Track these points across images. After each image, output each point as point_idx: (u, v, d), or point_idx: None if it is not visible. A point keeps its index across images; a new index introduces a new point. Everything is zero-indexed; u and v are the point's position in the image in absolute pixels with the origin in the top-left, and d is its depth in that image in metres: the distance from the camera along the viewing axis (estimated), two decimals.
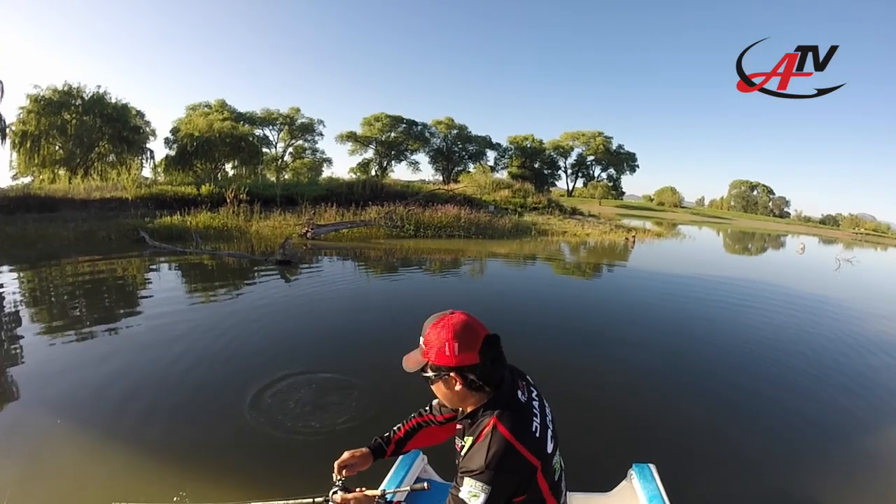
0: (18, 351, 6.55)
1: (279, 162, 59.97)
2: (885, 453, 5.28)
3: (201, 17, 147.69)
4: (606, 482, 3.04)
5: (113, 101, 32.38)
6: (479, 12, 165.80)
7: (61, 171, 30.87)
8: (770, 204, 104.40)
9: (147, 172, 35.06)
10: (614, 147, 79.00)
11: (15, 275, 11.44)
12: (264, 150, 55.37)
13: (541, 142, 75.89)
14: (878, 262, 34.05)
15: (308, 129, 62.44)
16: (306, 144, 63.85)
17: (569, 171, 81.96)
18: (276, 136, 61.87)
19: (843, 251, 35.62)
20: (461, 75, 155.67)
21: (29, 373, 5.77)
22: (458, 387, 1.63)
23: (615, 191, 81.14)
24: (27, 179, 31.46)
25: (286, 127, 61.28)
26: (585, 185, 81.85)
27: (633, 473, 2.88)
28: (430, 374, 1.66)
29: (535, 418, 1.65)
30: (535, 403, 1.72)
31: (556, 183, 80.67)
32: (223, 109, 49.20)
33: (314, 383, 5.66)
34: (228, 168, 42.18)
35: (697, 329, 9.84)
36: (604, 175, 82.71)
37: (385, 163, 66.77)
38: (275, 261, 13.20)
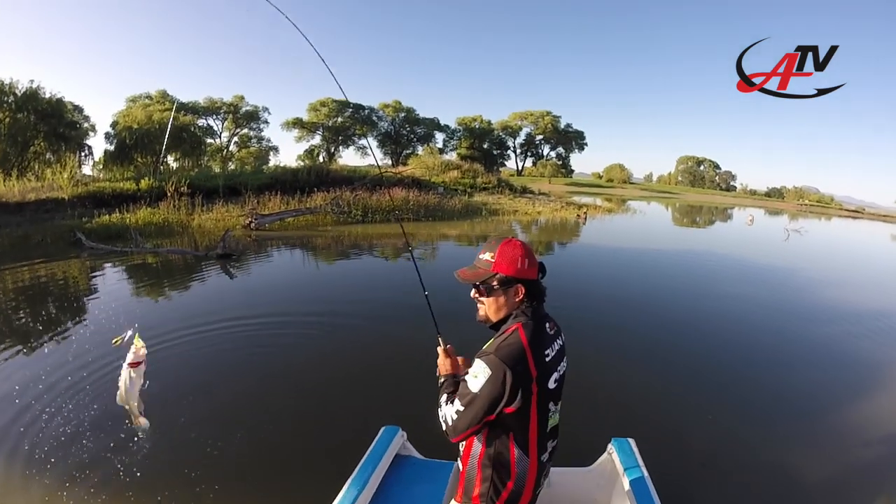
0: None
1: (224, 152, 58.63)
2: (844, 416, 5.83)
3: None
4: (586, 457, 3.20)
5: (47, 96, 30.94)
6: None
7: None
8: (717, 178, 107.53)
9: (88, 170, 33.81)
10: (562, 126, 79.71)
11: None
12: (209, 140, 54.07)
13: (489, 122, 75.94)
14: (824, 231, 36.47)
15: (253, 117, 61.09)
16: (252, 133, 62.46)
17: (518, 151, 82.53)
18: (220, 126, 60.46)
19: (791, 222, 37.58)
20: (408, 57, 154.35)
21: None
22: (518, 297, 1.91)
23: (564, 169, 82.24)
24: None
25: (230, 115, 59.81)
26: (535, 164, 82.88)
27: (613, 448, 3.01)
28: (494, 284, 1.90)
29: (550, 350, 1.89)
30: (557, 344, 1.96)
31: (506, 163, 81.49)
32: (164, 100, 47.68)
33: (252, 383, 5.84)
34: (171, 161, 41.14)
35: (667, 305, 10.33)
36: (553, 154, 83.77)
37: (332, 149, 66.03)
38: (216, 255, 13.09)
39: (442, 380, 2.07)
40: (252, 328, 7.72)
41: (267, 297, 9.87)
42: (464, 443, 1.95)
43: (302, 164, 42.84)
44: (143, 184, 22.75)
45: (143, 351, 2.18)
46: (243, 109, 59.96)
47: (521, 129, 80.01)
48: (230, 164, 55.08)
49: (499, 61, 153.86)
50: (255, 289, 10.79)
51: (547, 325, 1.94)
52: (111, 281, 11.30)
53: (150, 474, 4.07)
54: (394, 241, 16.88)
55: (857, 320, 10.09)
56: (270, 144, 63.71)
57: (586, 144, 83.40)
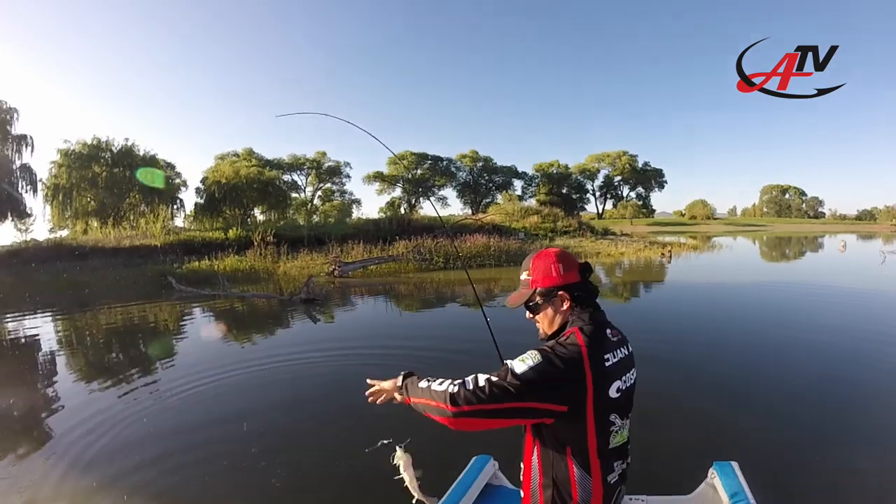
0: (55, 397, 6.41)
1: (309, 206, 60.68)
2: None
3: (224, 69, 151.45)
4: (684, 484, 2.88)
5: (141, 153, 33.38)
6: (493, 44, 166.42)
7: (94, 223, 31.96)
8: (804, 206, 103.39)
9: (179, 222, 35.81)
10: (640, 165, 78.60)
11: (49, 320, 11.57)
12: (294, 194, 56.23)
13: (566, 167, 75.92)
14: None
15: (335, 172, 63.49)
16: (334, 187, 64.87)
17: (597, 194, 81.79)
18: (304, 181, 62.93)
19: (886, 244, 35.63)
20: (482, 106, 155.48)
21: (63, 422, 5.49)
22: (565, 305, 1.76)
23: (645, 209, 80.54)
24: (64, 232, 32.87)
25: (314, 171, 62.32)
26: (615, 206, 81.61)
27: (715, 472, 2.71)
28: (538, 300, 1.78)
29: (611, 355, 1.67)
30: (621, 352, 1.74)
31: (586, 207, 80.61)
32: (251, 157, 50.13)
33: (336, 410, 5.58)
34: (257, 213, 42.84)
35: (765, 332, 9.72)
36: (632, 194, 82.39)
37: (413, 200, 67.10)
38: (299, 300, 13.00)
39: (400, 381, 1.85)
40: (337, 360, 7.68)
41: (353, 335, 9.68)
42: (523, 467, 1.79)
43: (384, 215, 43.58)
44: (231, 233, 23.49)
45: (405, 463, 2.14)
46: (326, 165, 62.47)
47: (598, 171, 79.50)
48: (314, 216, 56.82)
49: (574, 103, 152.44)
50: (340, 328, 10.61)
51: (608, 331, 1.75)
52: (199, 320, 11.43)
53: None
54: (476, 288, 16.20)
55: None
56: (353, 198, 65.85)
57: (666, 182, 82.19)
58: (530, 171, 74.94)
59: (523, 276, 1.84)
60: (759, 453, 4.48)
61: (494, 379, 1.54)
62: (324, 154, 61.97)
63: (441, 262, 21.68)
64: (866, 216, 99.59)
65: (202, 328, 10.73)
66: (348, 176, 64.70)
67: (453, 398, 1.54)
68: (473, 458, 2.98)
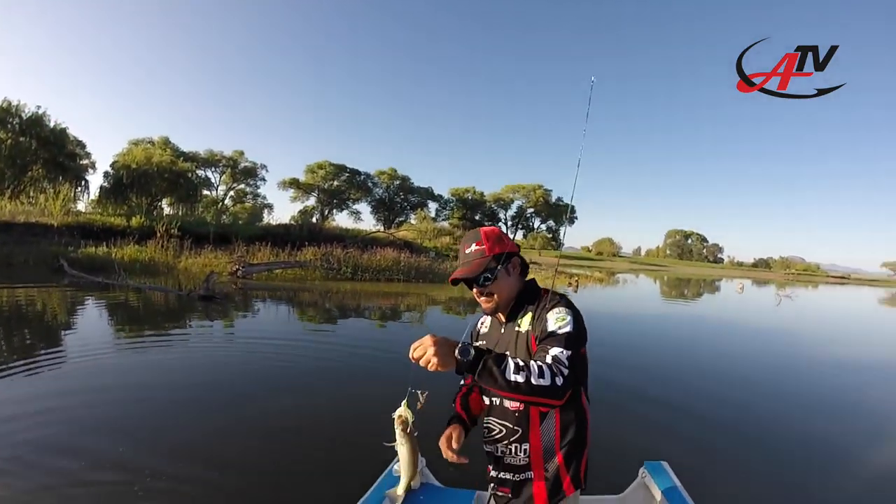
0: None
1: (220, 205, 58.69)
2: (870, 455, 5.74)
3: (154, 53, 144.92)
4: (615, 485, 2.97)
5: (52, 124, 31.44)
6: (425, 60, 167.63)
7: None
8: (704, 251, 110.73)
9: (82, 206, 33.73)
10: (553, 199, 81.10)
11: None
12: (205, 191, 54.36)
13: (482, 194, 77.50)
14: (812, 297, 39.67)
15: (251, 174, 61.75)
16: (248, 189, 63.02)
17: (509, 223, 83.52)
18: (217, 179, 60.97)
19: (780, 290, 40.80)
20: (406, 125, 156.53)
21: None
22: (516, 270, 1.86)
23: (554, 242, 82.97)
24: None
25: (229, 170, 60.43)
26: (525, 236, 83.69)
27: (646, 472, 2.79)
28: (495, 265, 1.78)
29: None
30: None
31: None
32: (166, 146, 48.15)
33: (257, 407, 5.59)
34: (165, 205, 41.25)
35: (677, 351, 11.06)
36: (543, 227, 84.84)
37: (326, 211, 66.33)
38: (198, 296, 12.70)
39: (469, 355, 1.44)
40: (227, 356, 7.70)
41: (250, 335, 9.51)
42: (528, 430, 1.74)
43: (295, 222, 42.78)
44: (134, 221, 22.65)
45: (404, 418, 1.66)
46: (242, 165, 60.66)
47: (512, 201, 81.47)
48: (224, 217, 55.08)
49: (496, 133, 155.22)
50: (238, 327, 10.45)
51: None
52: (89, 310, 10.96)
53: None
54: (382, 303, 16.11)
55: (858, 372, 10.44)
56: (265, 202, 64.10)
57: (577, 218, 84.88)
58: (446, 195, 76.22)
59: (472, 248, 1.82)
60: (686, 453, 4.94)
61: (568, 352, 1.55)
62: (241, 153, 60.26)
63: (349, 273, 21.75)
64: (762, 264, 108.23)
65: (91, 318, 10.28)
66: (263, 179, 63.01)
67: (565, 390, 1.49)
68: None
